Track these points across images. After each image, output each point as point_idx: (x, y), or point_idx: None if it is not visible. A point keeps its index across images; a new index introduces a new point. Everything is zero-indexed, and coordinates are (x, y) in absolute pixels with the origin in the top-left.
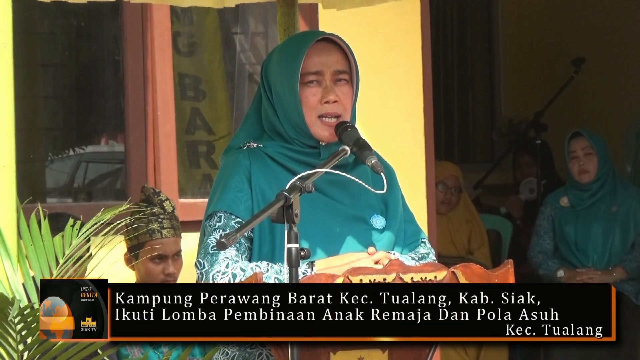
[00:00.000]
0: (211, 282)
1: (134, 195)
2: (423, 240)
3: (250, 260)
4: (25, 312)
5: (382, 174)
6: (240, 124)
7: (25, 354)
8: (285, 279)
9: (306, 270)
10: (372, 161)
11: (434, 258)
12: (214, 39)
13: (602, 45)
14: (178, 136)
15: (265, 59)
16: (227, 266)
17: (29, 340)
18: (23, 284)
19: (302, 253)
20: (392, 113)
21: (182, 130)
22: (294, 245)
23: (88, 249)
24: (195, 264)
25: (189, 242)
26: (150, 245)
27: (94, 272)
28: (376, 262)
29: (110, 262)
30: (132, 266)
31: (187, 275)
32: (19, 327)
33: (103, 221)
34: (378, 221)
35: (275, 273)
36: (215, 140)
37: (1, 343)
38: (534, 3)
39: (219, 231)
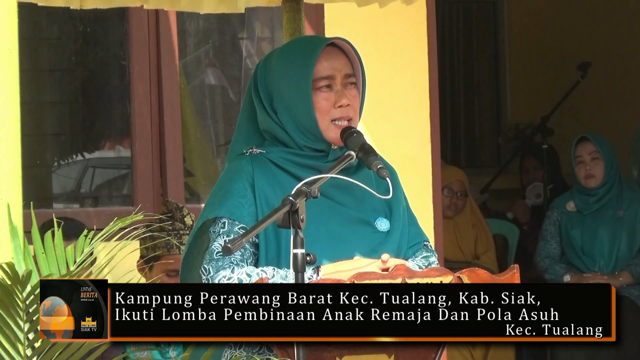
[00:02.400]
0: None
1: (141, 201)
2: (425, 243)
3: (256, 265)
4: (36, 293)
5: (387, 179)
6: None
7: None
8: None
9: (312, 276)
10: (378, 166)
11: (437, 261)
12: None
13: (608, 49)
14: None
15: (258, 67)
16: (232, 271)
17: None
18: None
19: (308, 258)
20: (398, 118)
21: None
22: (299, 251)
23: (93, 256)
24: (200, 270)
25: None
26: (166, 259)
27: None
28: (384, 270)
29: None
30: (144, 273)
31: None
32: (31, 309)
33: (119, 229)
34: (382, 224)
35: (281, 278)
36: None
37: (6, 334)
38: (540, 8)
39: (224, 237)
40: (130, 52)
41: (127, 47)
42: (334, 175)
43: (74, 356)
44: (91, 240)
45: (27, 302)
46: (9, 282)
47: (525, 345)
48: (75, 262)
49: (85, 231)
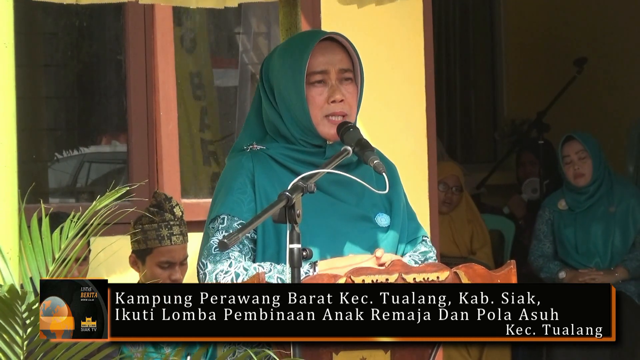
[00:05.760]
0: (214, 282)
1: (137, 196)
2: (424, 238)
3: (254, 261)
4: (33, 307)
5: (384, 174)
6: (242, 125)
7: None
8: (287, 279)
9: (308, 271)
10: (375, 161)
11: (435, 257)
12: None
13: (604, 45)
14: (192, 134)
15: (264, 61)
16: (230, 265)
17: (35, 337)
18: (22, 284)
19: (305, 253)
20: (394, 113)
21: (196, 129)
22: (296, 246)
23: (88, 245)
24: (198, 264)
25: (193, 242)
26: (158, 251)
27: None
28: (381, 265)
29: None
30: (137, 267)
31: (190, 275)
32: (27, 322)
33: (109, 219)
34: (383, 219)
35: (278, 273)
36: (218, 140)
37: (6, 340)
38: (536, 3)
39: (222, 232)
40: (126, 47)
41: (123, 41)
42: (332, 171)
43: (72, 358)
44: (76, 225)
45: (26, 314)
46: (8, 297)
47: (524, 345)
48: (60, 248)
49: (72, 214)
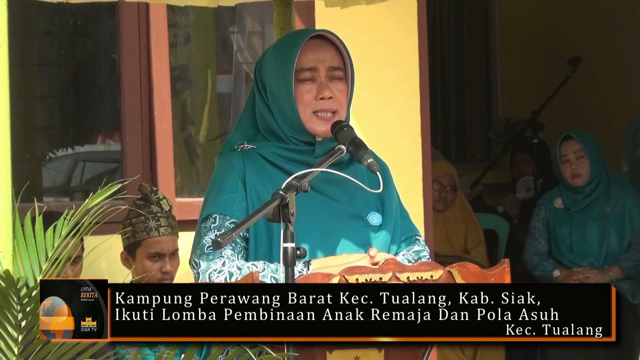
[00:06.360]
0: (207, 281)
1: (130, 193)
2: (417, 237)
3: (246, 260)
4: (24, 301)
5: (378, 173)
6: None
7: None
8: (281, 278)
9: (302, 270)
10: (368, 160)
11: (428, 256)
12: (209, 33)
13: (598, 44)
14: (175, 134)
15: (259, 59)
16: (223, 264)
17: (31, 330)
18: None
19: (298, 252)
20: (389, 113)
21: (178, 128)
22: (290, 245)
23: (82, 246)
24: (191, 263)
25: (187, 241)
26: (147, 243)
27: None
28: (375, 264)
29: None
30: (128, 264)
31: (184, 274)
32: (19, 317)
33: (100, 216)
34: (375, 218)
35: (271, 272)
36: (211, 139)
37: (1, 334)
38: (531, 2)
39: (214, 232)
40: (121, 46)
41: (118, 40)
42: (325, 170)
43: (67, 354)
44: (69, 223)
45: (22, 303)
46: (4, 285)
47: (520, 345)
48: (53, 246)
49: (65, 213)
